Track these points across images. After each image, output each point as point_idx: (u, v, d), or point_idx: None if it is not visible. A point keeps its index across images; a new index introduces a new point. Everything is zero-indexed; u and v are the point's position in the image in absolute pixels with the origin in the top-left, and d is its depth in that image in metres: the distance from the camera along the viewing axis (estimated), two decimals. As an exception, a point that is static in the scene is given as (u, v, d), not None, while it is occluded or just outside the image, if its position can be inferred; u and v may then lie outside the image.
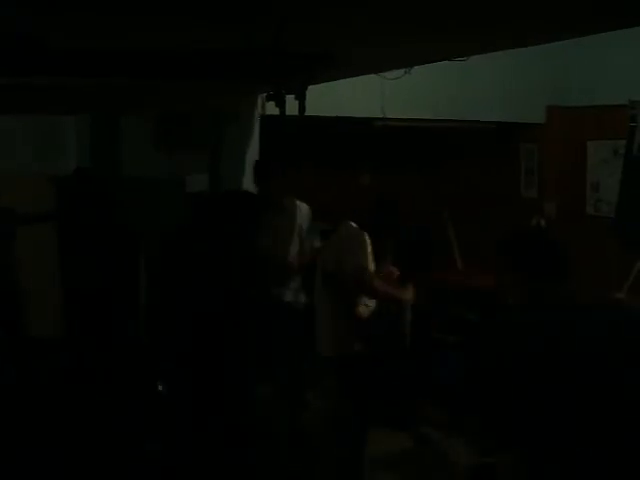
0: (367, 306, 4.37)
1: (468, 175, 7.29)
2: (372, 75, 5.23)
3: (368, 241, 4.20)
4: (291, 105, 4.15)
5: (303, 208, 5.21)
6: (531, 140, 6.80)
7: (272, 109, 4.43)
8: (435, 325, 6.15)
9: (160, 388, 5.08)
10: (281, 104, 4.04)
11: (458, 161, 7.39)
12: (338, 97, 5.64)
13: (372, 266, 4.23)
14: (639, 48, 5.48)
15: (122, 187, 6.94)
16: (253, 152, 5.70)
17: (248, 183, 5.58)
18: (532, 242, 3.28)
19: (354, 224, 4.32)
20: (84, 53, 3.65)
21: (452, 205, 7.46)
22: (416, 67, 4.97)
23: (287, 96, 4.02)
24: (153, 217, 6.32)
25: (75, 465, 4.65)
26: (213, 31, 3.09)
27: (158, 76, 4.23)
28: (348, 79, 5.27)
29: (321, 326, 4.43)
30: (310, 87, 4.30)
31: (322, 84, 5.00)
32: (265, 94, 4.92)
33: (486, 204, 7.06)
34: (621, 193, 5.86)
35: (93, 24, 2.93)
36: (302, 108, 4.12)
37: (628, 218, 5.81)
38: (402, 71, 5.15)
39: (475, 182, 7.23)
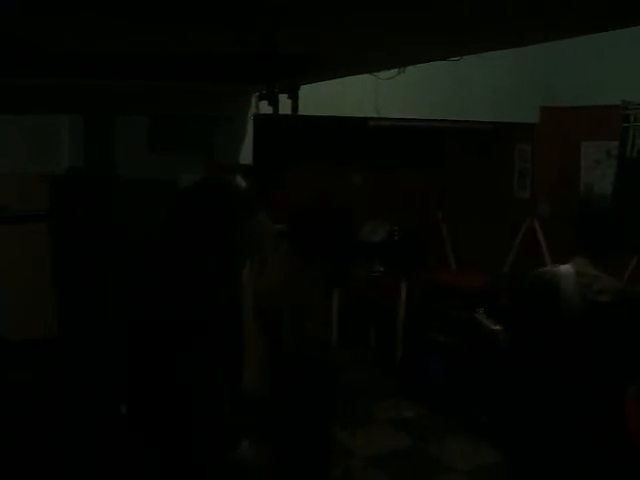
0: None
1: (462, 175, 7.30)
2: (366, 75, 5.22)
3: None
4: (284, 104, 4.14)
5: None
6: (525, 140, 6.81)
7: (266, 108, 4.42)
8: (427, 325, 6.15)
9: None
10: (274, 103, 4.02)
11: (452, 161, 7.40)
12: (332, 96, 5.63)
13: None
14: (632, 48, 5.49)
15: (115, 186, 6.92)
16: (247, 151, 5.69)
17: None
18: None
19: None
20: (80, 55, 3.64)
21: (446, 205, 7.47)
22: (410, 67, 4.97)
23: (280, 95, 4.00)
24: (145, 217, 6.30)
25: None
26: (205, 34, 3.08)
27: (152, 77, 4.23)
28: (342, 78, 5.27)
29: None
30: (303, 86, 4.29)
31: (316, 83, 5.00)
32: (258, 93, 4.91)
33: (480, 204, 7.07)
34: (614, 194, 5.87)
35: (90, 27, 2.92)
36: (295, 107, 4.11)
37: (621, 219, 5.81)
38: (396, 71, 5.15)
39: (469, 182, 7.24)
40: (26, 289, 6.29)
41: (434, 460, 5.11)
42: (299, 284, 3.48)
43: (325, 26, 2.89)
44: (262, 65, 3.36)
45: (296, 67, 3.67)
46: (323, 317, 3.67)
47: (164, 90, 5.05)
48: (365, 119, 6.18)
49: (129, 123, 6.92)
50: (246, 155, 5.79)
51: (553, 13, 2.60)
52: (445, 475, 4.92)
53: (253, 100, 5.68)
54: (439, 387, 5.89)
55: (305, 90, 4.35)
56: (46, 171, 6.45)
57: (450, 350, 5.85)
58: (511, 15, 2.64)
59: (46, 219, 6.22)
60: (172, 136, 6.89)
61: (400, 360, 6.59)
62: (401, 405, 6.02)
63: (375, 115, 6.04)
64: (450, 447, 5.28)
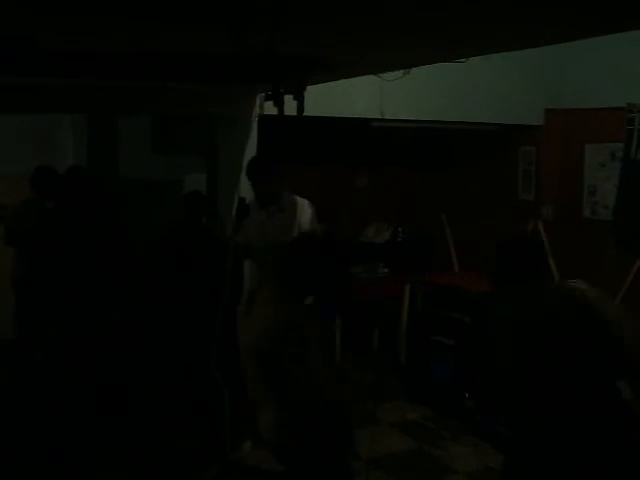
0: None
1: (466, 177, 7.29)
2: (371, 76, 5.22)
3: None
4: (290, 105, 4.13)
5: (304, 205, 5.05)
6: (529, 142, 6.79)
7: (271, 109, 4.41)
8: (431, 328, 6.14)
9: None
10: (279, 104, 4.01)
11: (456, 163, 7.39)
12: (336, 98, 5.62)
13: None
14: (637, 51, 5.48)
15: (117, 186, 6.93)
16: (251, 152, 5.69)
17: (245, 183, 5.56)
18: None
19: None
20: (83, 54, 3.64)
21: (449, 207, 7.46)
22: (415, 68, 4.96)
23: (286, 96, 3.99)
24: (149, 216, 6.31)
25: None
26: (205, 34, 3.08)
27: (156, 78, 4.22)
28: (347, 80, 5.26)
29: None
30: (309, 87, 4.28)
31: (321, 84, 4.99)
32: (263, 94, 4.90)
33: (484, 206, 7.05)
34: (618, 196, 5.86)
35: (90, 27, 2.92)
36: (301, 108, 4.10)
37: (625, 221, 5.80)
38: (401, 72, 5.15)
39: (473, 184, 7.22)
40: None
41: (437, 462, 5.10)
42: (299, 327, 3.16)
43: (325, 27, 2.89)
44: (264, 65, 3.36)
45: (297, 68, 3.66)
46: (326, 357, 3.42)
47: (167, 90, 5.04)
48: (369, 120, 6.17)
49: (132, 123, 6.93)
50: (250, 156, 5.78)
51: (554, 16, 2.60)
52: (447, 477, 4.91)
53: (258, 101, 5.67)
54: (443, 389, 5.88)
55: (310, 91, 4.34)
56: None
57: (454, 352, 5.84)
58: (512, 18, 2.64)
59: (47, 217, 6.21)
60: (175, 137, 6.90)
61: (404, 362, 6.58)
62: (405, 407, 6.02)
63: (379, 116, 6.03)
64: (453, 449, 5.27)
